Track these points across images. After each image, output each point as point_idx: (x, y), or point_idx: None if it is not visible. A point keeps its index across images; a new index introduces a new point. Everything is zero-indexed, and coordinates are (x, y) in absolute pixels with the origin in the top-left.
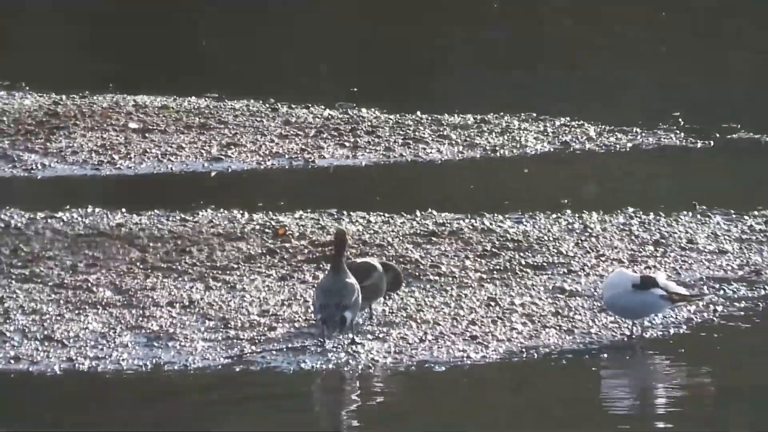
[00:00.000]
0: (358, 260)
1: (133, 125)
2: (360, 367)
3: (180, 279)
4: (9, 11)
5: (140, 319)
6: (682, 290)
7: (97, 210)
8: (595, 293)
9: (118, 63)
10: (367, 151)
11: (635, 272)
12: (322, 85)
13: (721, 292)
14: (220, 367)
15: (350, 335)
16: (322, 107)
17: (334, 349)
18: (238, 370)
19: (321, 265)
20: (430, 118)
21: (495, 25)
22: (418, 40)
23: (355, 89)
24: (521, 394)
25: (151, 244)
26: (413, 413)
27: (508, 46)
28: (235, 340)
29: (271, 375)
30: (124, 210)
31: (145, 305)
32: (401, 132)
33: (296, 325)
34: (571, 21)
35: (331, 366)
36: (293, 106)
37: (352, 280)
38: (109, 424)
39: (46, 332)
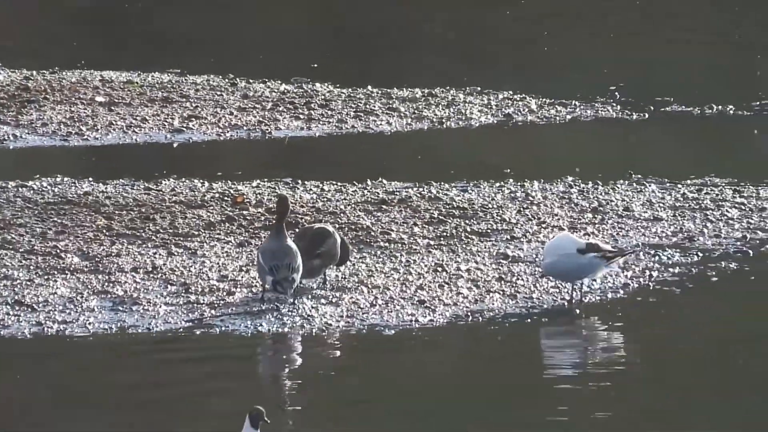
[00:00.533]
0: (315, 226)
1: (99, 99)
2: (314, 330)
3: (144, 246)
4: None
5: (106, 284)
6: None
7: (65, 179)
8: (537, 259)
9: (86, 39)
10: (321, 123)
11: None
12: (278, 62)
13: (656, 258)
14: (181, 330)
15: (291, 298)
16: (279, 82)
17: (289, 314)
18: (198, 333)
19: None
20: (380, 91)
21: (447, 5)
22: (371, 18)
23: (314, 65)
24: (466, 356)
25: (116, 212)
26: (362, 375)
27: (457, 24)
28: (195, 305)
29: (229, 338)
30: (91, 179)
31: (111, 271)
32: (353, 105)
33: (253, 290)
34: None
35: (286, 329)
36: (251, 80)
37: (293, 244)
38: (77, 385)
39: (16, 297)
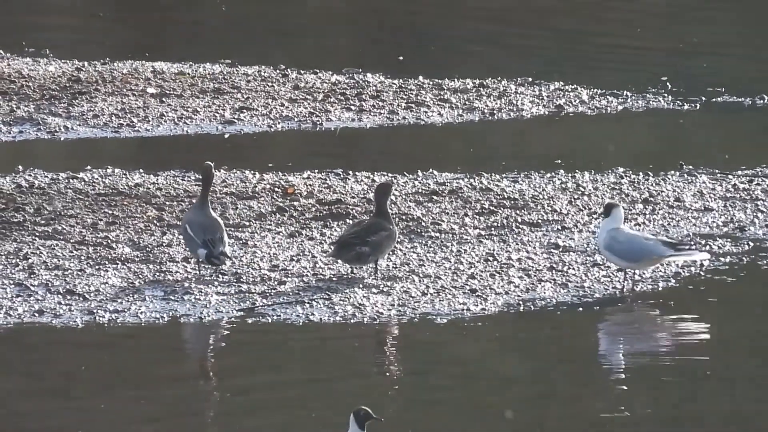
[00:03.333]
0: (370, 219)
1: (151, 90)
2: (365, 319)
3: None
4: None
5: (157, 273)
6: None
7: (116, 170)
8: (588, 249)
9: (138, 30)
10: (372, 114)
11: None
12: (329, 52)
13: (707, 247)
14: (233, 319)
15: (226, 267)
16: (330, 73)
17: (341, 303)
18: (250, 322)
19: (328, 223)
20: (431, 82)
21: None
22: (421, 7)
23: (366, 56)
24: (518, 345)
25: (167, 203)
26: (412, 364)
27: (506, 14)
28: (247, 294)
29: (281, 326)
30: (142, 170)
31: (162, 261)
32: (404, 96)
33: (305, 279)
34: None
35: (338, 318)
36: (302, 71)
37: (217, 215)
38: (125, 374)
39: (68, 286)
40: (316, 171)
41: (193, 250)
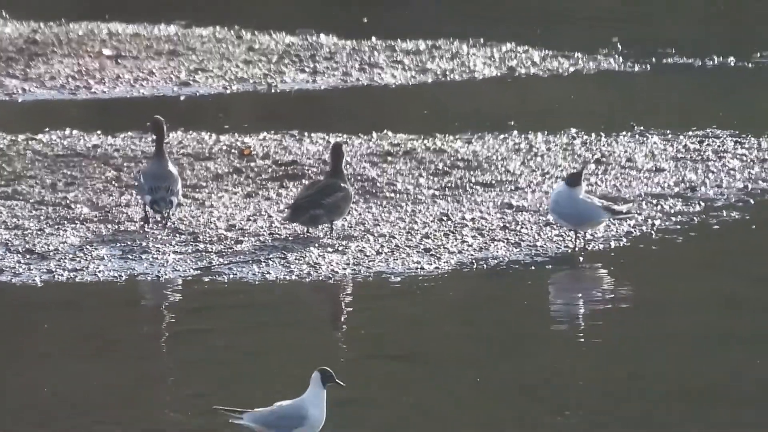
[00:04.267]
0: (322, 180)
1: (107, 52)
2: (321, 278)
3: None
4: None
5: (116, 233)
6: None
7: (74, 132)
8: (541, 209)
9: None
10: (326, 75)
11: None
12: (283, 13)
13: (659, 207)
14: (188, 276)
15: (171, 216)
16: (284, 34)
17: (297, 261)
18: (206, 280)
19: (284, 183)
20: (384, 44)
21: None
22: None
23: (319, 17)
24: (470, 302)
25: (125, 164)
26: (366, 322)
27: None
28: (204, 253)
29: (238, 285)
30: (99, 132)
31: (120, 221)
32: (358, 58)
33: (261, 239)
34: None
35: (294, 277)
36: (256, 32)
37: (174, 169)
38: (83, 331)
39: (27, 246)
40: (272, 132)
41: (141, 195)
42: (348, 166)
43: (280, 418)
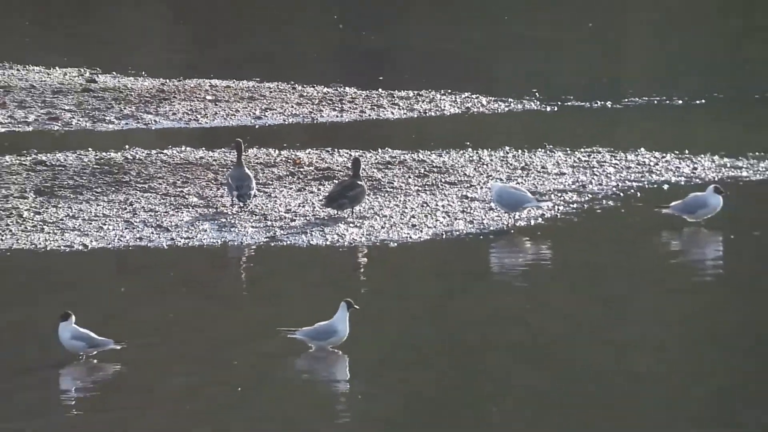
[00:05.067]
0: (348, 180)
1: (209, 97)
2: (345, 244)
3: None
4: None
5: (216, 214)
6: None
7: (187, 148)
8: (486, 199)
9: (200, 58)
10: (349, 113)
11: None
12: (321, 72)
13: (561, 197)
14: (261, 242)
15: (249, 204)
16: (322, 86)
17: (330, 233)
18: (272, 245)
19: (322, 182)
20: (386, 92)
21: (425, 27)
22: (380, 42)
23: (344, 74)
24: (441, 258)
25: (220, 169)
26: (374, 271)
27: (439, 43)
28: (270, 227)
29: (293, 248)
30: (204, 148)
31: (217, 206)
32: (369, 101)
33: (307, 218)
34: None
35: (328, 243)
36: (305, 85)
37: (251, 173)
38: (193, 276)
39: (158, 223)
40: (314, 149)
41: (230, 191)
42: (363, 170)
43: (319, 332)
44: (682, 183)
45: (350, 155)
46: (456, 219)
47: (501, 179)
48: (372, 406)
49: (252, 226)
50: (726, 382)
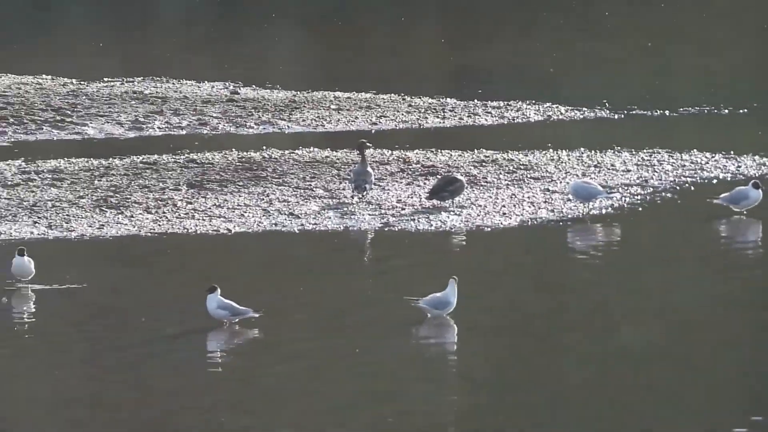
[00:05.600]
0: (454, 174)
1: (333, 107)
2: (447, 228)
3: None
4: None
5: (339, 204)
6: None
7: (315, 149)
8: (565, 191)
9: (325, 71)
10: (450, 119)
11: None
12: (428, 86)
13: (627, 191)
14: (376, 228)
15: (369, 196)
16: (427, 97)
17: (435, 220)
18: (386, 230)
19: (427, 178)
20: (481, 103)
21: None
22: (476, 59)
23: (445, 86)
24: (527, 240)
25: (343, 166)
26: (471, 251)
27: (522, 61)
28: (384, 214)
29: (404, 232)
30: (329, 149)
31: (340, 197)
32: (467, 110)
33: (415, 207)
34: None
35: (432, 228)
36: (413, 96)
37: (370, 169)
38: (318, 255)
39: (290, 211)
40: (421, 149)
41: (352, 185)
42: (461, 167)
43: (436, 302)
44: (728, 179)
45: (450, 155)
46: (539, 208)
47: (576, 175)
48: (475, 366)
49: (369, 214)
50: None
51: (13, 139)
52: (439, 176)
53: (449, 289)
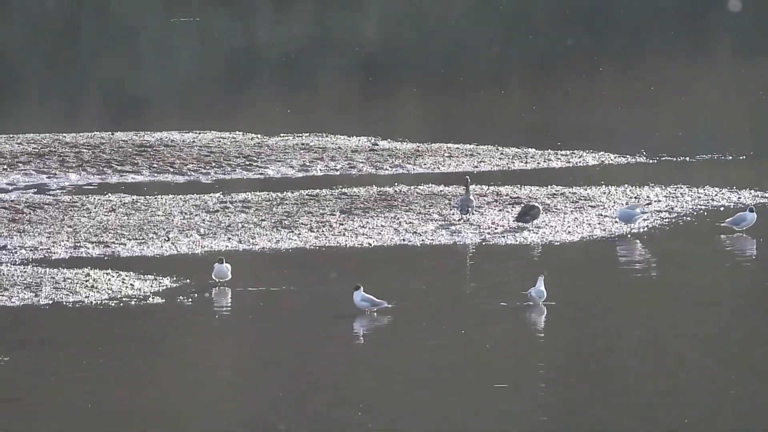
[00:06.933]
0: (533, 203)
1: (446, 154)
2: (526, 242)
3: None
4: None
5: (449, 224)
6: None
7: (432, 185)
8: (613, 215)
9: (441, 126)
10: (530, 163)
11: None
12: (513, 138)
13: (658, 215)
14: (476, 242)
15: (471, 219)
16: (514, 147)
17: (520, 236)
18: (484, 244)
19: (513, 206)
20: (553, 151)
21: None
22: (547, 115)
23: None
24: (590, 248)
25: (452, 197)
26: (545, 259)
27: (583, 118)
28: (482, 232)
29: (498, 246)
30: (443, 185)
31: (450, 220)
32: (543, 157)
33: (505, 227)
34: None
35: (518, 242)
36: (502, 147)
37: (473, 197)
38: (421, 262)
39: (413, 230)
40: (508, 185)
41: (458, 210)
42: (538, 199)
43: (539, 293)
44: (731, 206)
45: (531, 189)
46: (594, 228)
47: (622, 203)
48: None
49: (471, 232)
50: None
51: (214, 178)
52: (522, 204)
53: (538, 284)
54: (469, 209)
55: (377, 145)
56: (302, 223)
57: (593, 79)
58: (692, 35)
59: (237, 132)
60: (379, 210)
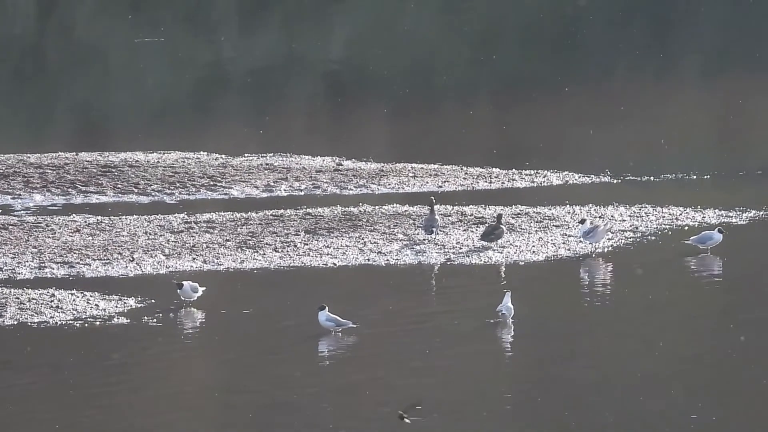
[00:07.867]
0: (494, 223)
1: (411, 174)
2: (489, 263)
3: None
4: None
5: (414, 244)
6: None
7: (397, 205)
8: (576, 234)
9: (405, 147)
10: (495, 183)
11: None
12: (477, 157)
13: (623, 234)
14: (441, 262)
15: (436, 238)
16: (479, 167)
17: (484, 254)
18: (448, 264)
19: (477, 226)
20: (517, 171)
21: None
22: (514, 134)
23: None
24: (553, 267)
25: (417, 217)
26: (511, 278)
27: (549, 138)
28: (447, 251)
29: (464, 266)
30: (407, 204)
31: (415, 240)
32: (507, 176)
33: (471, 245)
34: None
35: (483, 262)
36: (467, 167)
37: (438, 217)
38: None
39: (378, 250)
40: (473, 205)
41: (423, 230)
42: (502, 218)
43: (508, 309)
44: (696, 226)
45: (495, 209)
46: (559, 248)
47: (586, 223)
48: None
49: (435, 252)
50: None
51: (179, 199)
52: (486, 224)
53: (506, 299)
54: (434, 229)
55: (342, 165)
56: (267, 243)
57: (559, 98)
58: (658, 55)
59: (201, 152)
60: (343, 230)
